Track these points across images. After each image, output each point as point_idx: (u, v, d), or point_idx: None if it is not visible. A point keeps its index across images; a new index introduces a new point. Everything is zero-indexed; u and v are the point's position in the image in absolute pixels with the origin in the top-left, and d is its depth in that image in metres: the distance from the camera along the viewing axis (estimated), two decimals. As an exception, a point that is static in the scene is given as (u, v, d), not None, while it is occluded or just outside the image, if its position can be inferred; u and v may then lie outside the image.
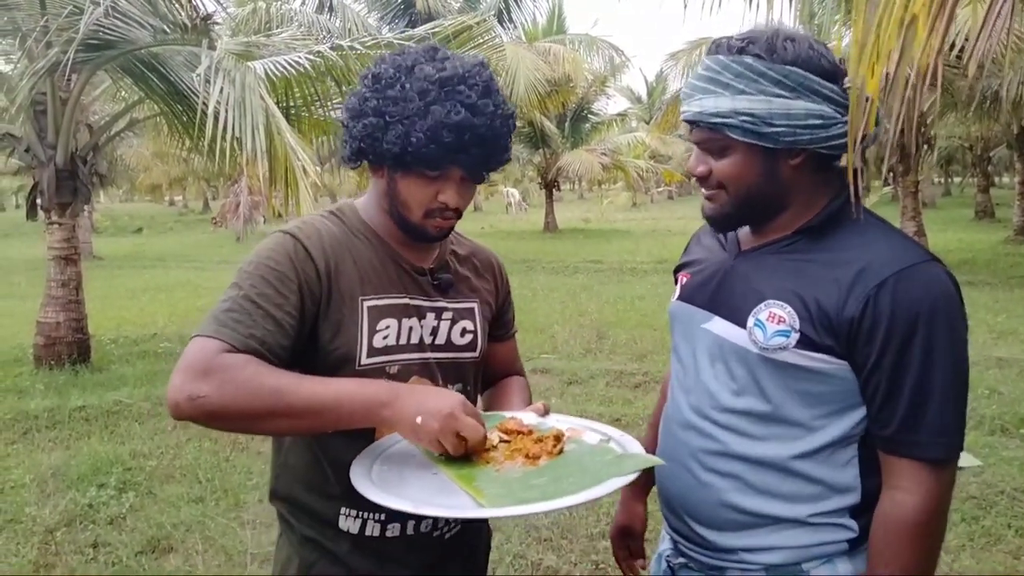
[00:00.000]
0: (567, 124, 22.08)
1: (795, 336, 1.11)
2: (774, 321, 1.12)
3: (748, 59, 1.11)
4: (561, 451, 1.10)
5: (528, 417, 1.22)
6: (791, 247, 1.18)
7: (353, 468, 1.09)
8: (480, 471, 1.05)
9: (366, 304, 1.20)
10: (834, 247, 1.14)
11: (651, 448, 1.38)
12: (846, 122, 1.09)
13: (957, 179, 38.36)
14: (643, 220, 26.22)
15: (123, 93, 7.30)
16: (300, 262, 1.15)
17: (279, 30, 10.51)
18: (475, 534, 1.39)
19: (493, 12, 14.02)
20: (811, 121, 1.11)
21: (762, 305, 1.14)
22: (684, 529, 1.26)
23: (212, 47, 5.14)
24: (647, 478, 1.44)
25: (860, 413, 1.13)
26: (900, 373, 1.07)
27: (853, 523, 1.15)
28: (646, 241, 18.23)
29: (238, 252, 17.91)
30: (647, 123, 30.33)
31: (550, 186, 22.31)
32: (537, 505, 0.96)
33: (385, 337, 1.21)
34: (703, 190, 1.21)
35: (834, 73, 1.12)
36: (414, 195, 1.19)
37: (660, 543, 1.38)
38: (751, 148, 1.13)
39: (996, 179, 32.37)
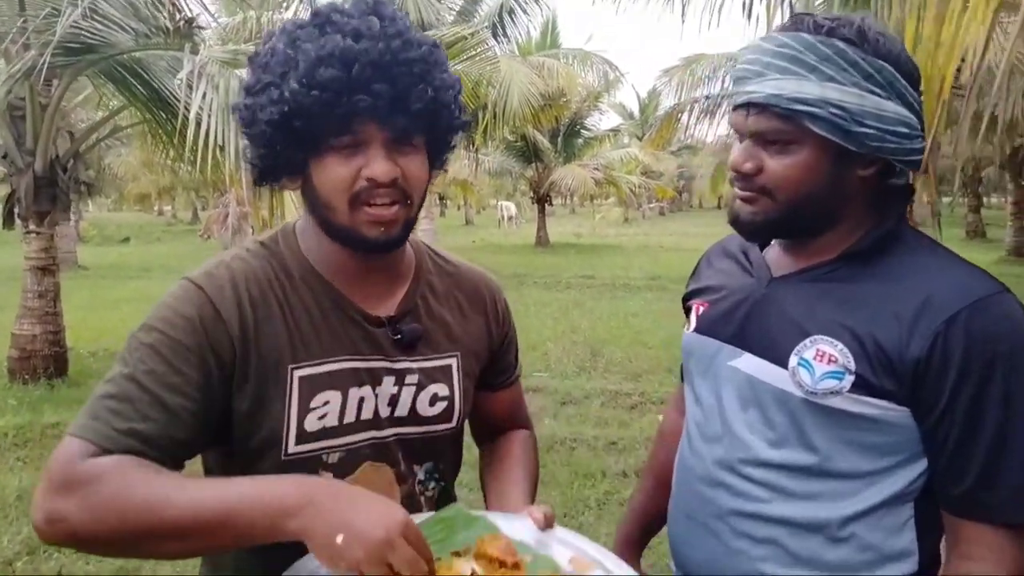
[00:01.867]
0: (560, 139, 22.02)
1: (849, 379, 0.94)
2: (823, 360, 0.95)
3: (839, 43, 0.94)
4: None
5: (521, 527, 0.93)
6: (834, 273, 1.01)
7: None
8: None
9: (297, 374, 0.94)
10: (887, 275, 0.98)
11: (654, 499, 1.20)
12: (923, 136, 0.93)
13: (946, 199, 38.53)
14: (635, 236, 26.12)
15: (106, 99, 7.12)
16: (205, 324, 0.90)
17: (270, 39, 10.34)
18: None
19: (487, 25, 13.92)
20: (900, 128, 0.94)
21: (807, 341, 0.97)
22: None
23: (195, 51, 4.97)
24: (645, 536, 1.26)
25: (919, 467, 0.97)
26: (975, 422, 0.91)
27: None
28: (638, 257, 18.11)
29: (226, 263, 17.61)
30: (639, 139, 30.38)
31: (542, 200, 22.22)
32: None
33: (322, 417, 0.95)
34: (739, 191, 1.02)
35: (916, 80, 0.97)
36: (331, 180, 0.89)
37: None
38: (823, 147, 0.96)
39: (985, 199, 32.53)
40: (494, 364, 1.15)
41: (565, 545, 0.93)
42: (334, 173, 0.90)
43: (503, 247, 20.08)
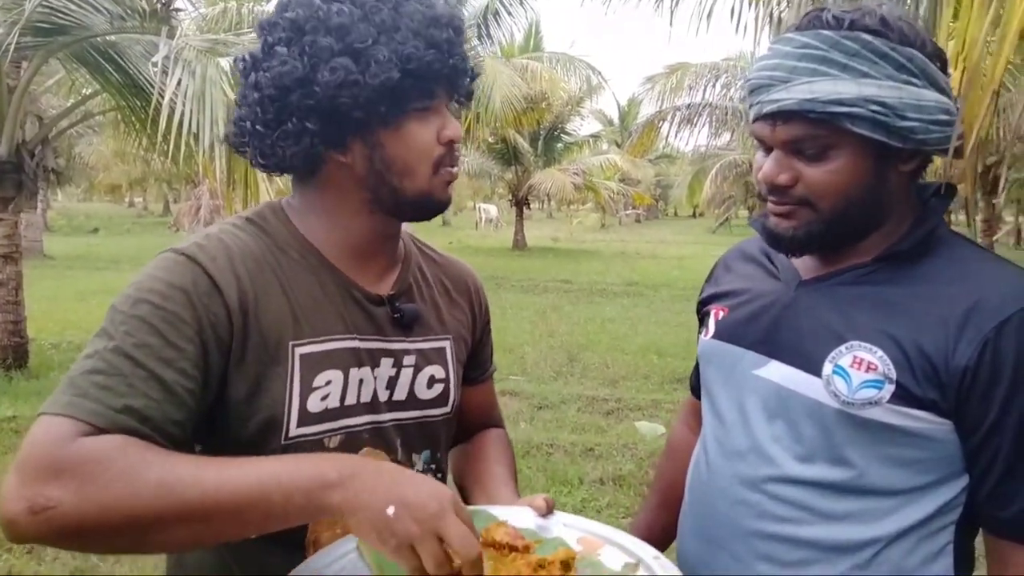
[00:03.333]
0: (540, 142, 22.01)
1: (890, 388, 0.86)
2: (861, 368, 0.88)
3: (864, 36, 0.87)
4: None
5: (523, 516, 0.89)
6: (871, 276, 0.94)
7: None
8: None
9: (298, 351, 0.88)
10: (928, 277, 0.91)
11: (660, 519, 1.12)
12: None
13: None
14: (612, 241, 26.18)
15: (78, 84, 6.92)
16: (201, 296, 0.82)
17: (249, 30, 10.18)
18: None
19: (471, 25, 13.85)
20: (940, 116, 0.88)
21: (843, 348, 0.90)
22: None
23: (172, 35, 4.82)
24: (659, 548, 1.17)
25: (959, 486, 0.90)
26: None
27: None
28: (616, 262, 18.13)
29: (197, 257, 17.34)
30: (618, 146, 30.51)
31: (521, 204, 22.18)
32: None
33: (325, 397, 0.89)
34: (774, 206, 0.94)
35: (944, 62, 0.90)
36: (415, 145, 0.88)
37: None
38: (864, 148, 0.89)
39: (952, 217, 33.14)
40: (473, 356, 1.11)
41: (570, 527, 0.89)
42: (420, 138, 0.89)
43: (480, 249, 19.98)
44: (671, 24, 5.56)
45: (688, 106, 13.24)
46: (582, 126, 25.03)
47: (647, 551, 0.84)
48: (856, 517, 0.91)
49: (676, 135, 13.42)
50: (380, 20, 0.85)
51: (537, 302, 11.07)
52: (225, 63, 5.24)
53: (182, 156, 4.46)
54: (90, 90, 6.70)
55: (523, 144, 20.50)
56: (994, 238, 16.58)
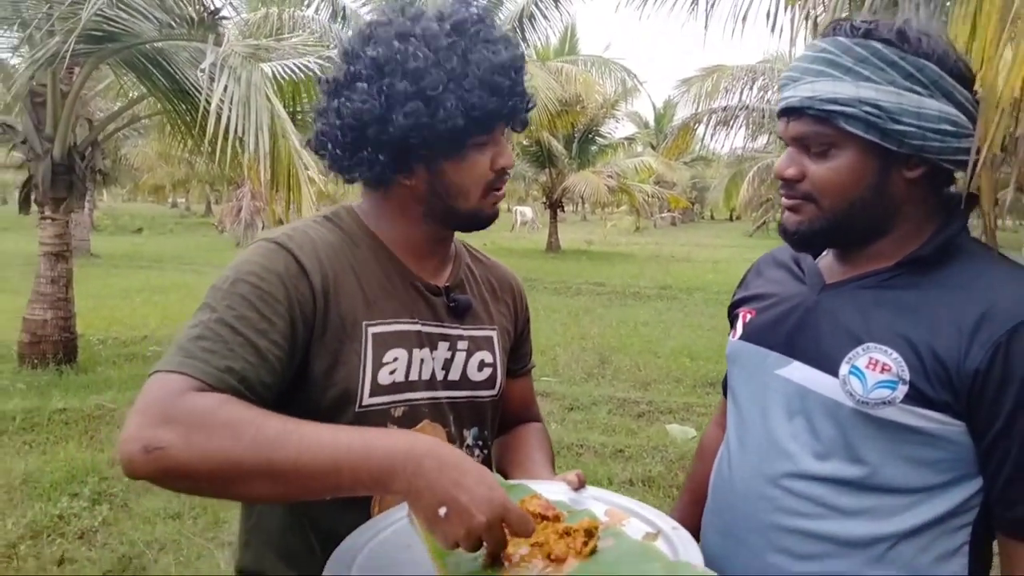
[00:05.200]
0: (575, 145, 22.00)
1: (903, 388, 0.90)
2: (876, 369, 0.92)
3: (876, 44, 0.92)
4: (594, 550, 0.85)
5: (557, 490, 0.98)
6: (892, 281, 0.98)
7: (330, 565, 0.85)
8: None
9: (371, 330, 0.99)
10: (947, 283, 0.95)
11: (689, 517, 1.17)
12: (971, 135, 0.90)
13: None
14: (646, 245, 26.05)
15: (126, 89, 7.15)
16: (291, 278, 0.93)
17: (290, 35, 10.39)
18: None
19: (508, 29, 13.95)
20: (943, 126, 0.92)
21: (859, 349, 0.94)
22: None
23: (219, 44, 4.97)
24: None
25: (973, 486, 0.93)
26: None
27: None
28: (649, 266, 18.05)
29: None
30: (653, 148, 30.31)
31: (555, 206, 22.19)
32: None
33: (392, 372, 1.00)
34: (784, 199, 1.00)
35: (968, 80, 0.94)
36: (472, 173, 1.00)
37: None
38: (865, 150, 0.93)
39: (999, 222, 32.30)
40: (515, 350, 1.21)
41: (600, 501, 0.97)
42: (477, 166, 1.00)
43: (514, 251, 20.05)
44: (706, 27, 5.55)
45: (724, 108, 13.13)
46: (617, 128, 24.94)
47: (667, 523, 0.90)
48: (870, 513, 0.95)
49: (712, 138, 13.33)
50: (451, 67, 0.95)
51: (570, 304, 11.10)
52: (268, 68, 5.39)
53: (228, 160, 4.59)
54: (137, 94, 6.92)
55: (557, 147, 20.52)
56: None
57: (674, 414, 5.59)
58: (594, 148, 23.15)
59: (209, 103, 4.44)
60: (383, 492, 0.82)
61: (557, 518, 0.88)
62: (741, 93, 12.98)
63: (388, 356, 0.99)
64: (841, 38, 0.94)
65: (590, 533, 0.85)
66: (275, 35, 10.74)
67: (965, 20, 0.98)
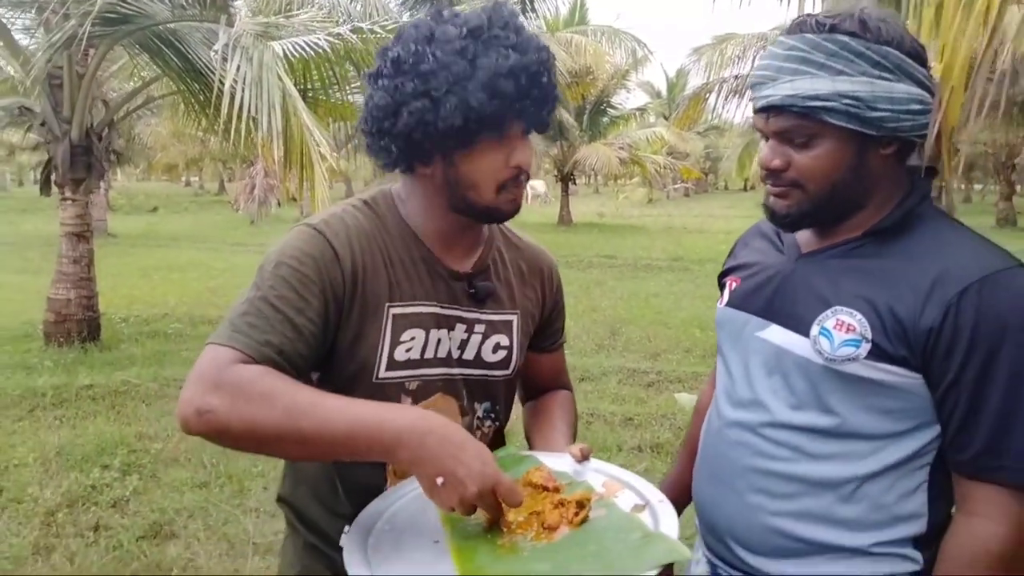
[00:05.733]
0: (586, 117, 21.90)
1: (866, 346, 1.00)
2: (842, 330, 1.01)
3: (842, 37, 1.00)
4: (585, 520, 0.94)
5: (562, 462, 1.08)
6: (859, 250, 1.07)
7: (350, 534, 0.96)
8: (484, 546, 0.91)
9: (392, 311, 1.09)
10: (908, 250, 1.03)
11: (687, 471, 1.27)
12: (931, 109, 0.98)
13: (978, 186, 37.89)
14: (658, 216, 26.00)
15: (140, 69, 7.24)
16: (325, 263, 1.04)
17: (299, 12, 10.41)
18: None
19: (516, 1, 13.86)
20: (913, 106, 1.00)
21: (828, 312, 1.03)
22: (726, 554, 1.15)
23: (231, 24, 5.04)
24: (683, 496, 1.32)
25: (932, 432, 1.02)
26: (984, 390, 0.96)
27: (917, 554, 1.04)
28: (661, 238, 18.07)
29: (252, 235, 17.88)
30: (666, 119, 30.09)
31: (566, 179, 22.16)
32: None
33: (408, 350, 1.10)
34: (771, 187, 1.08)
35: (923, 58, 1.02)
36: (484, 170, 1.06)
37: (693, 566, 1.26)
38: (844, 136, 1.01)
39: (1019, 187, 31.93)
40: (543, 329, 1.29)
41: (599, 473, 1.07)
42: (489, 164, 1.06)
43: (526, 225, 19.87)
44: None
45: (736, 77, 13.01)
46: (628, 99, 24.78)
47: (655, 495, 1.00)
48: (839, 457, 1.04)
49: (724, 107, 13.24)
50: (457, 71, 1.01)
51: (581, 277, 11.19)
52: (278, 46, 5.45)
53: (242, 139, 4.69)
54: (151, 75, 7.00)
55: (568, 119, 20.42)
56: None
57: (683, 383, 5.69)
58: (605, 120, 23.03)
59: (223, 84, 4.52)
60: (392, 461, 0.94)
61: (557, 489, 0.98)
62: (753, 61, 12.86)
63: (406, 335, 1.09)
64: (809, 35, 1.01)
65: (581, 504, 0.95)
66: (284, 11, 10.76)
67: (928, 13, 1.05)
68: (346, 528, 0.96)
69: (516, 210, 1.12)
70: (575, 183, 27.01)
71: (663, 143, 24.51)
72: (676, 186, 40.16)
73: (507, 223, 1.26)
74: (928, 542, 1.04)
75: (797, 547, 1.07)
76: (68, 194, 6.42)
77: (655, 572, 0.83)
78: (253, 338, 0.96)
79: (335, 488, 1.12)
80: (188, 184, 47.23)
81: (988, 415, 0.96)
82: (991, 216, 22.87)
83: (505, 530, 0.92)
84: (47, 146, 6.57)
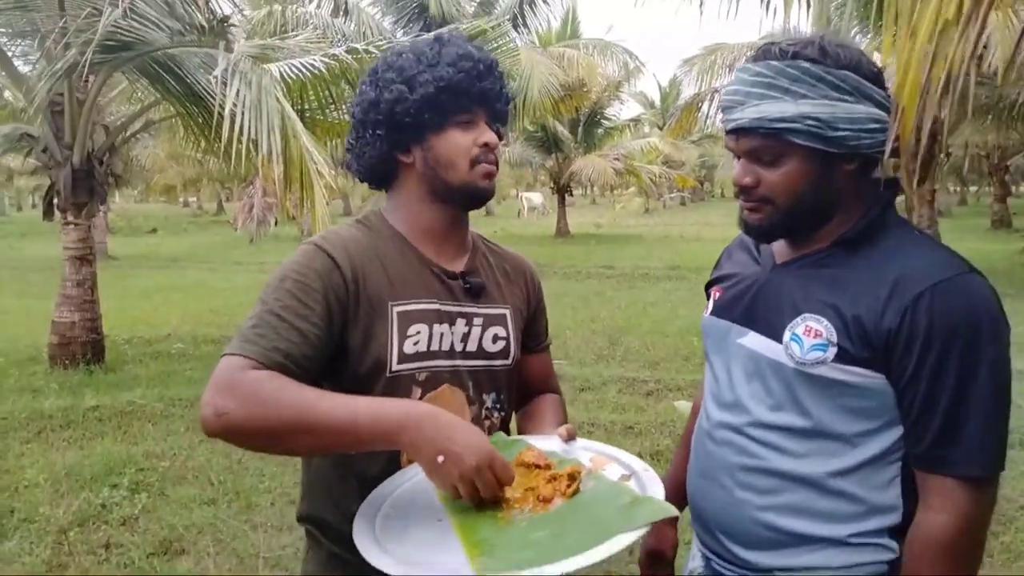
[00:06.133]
0: (580, 129, 22.05)
1: (832, 350, 1.08)
2: (811, 335, 1.09)
3: (804, 63, 1.09)
4: (577, 490, 1.03)
5: (551, 443, 1.17)
6: (827, 259, 1.15)
7: (358, 517, 1.05)
8: (485, 521, 0.99)
9: (396, 309, 1.19)
10: (871, 259, 1.11)
11: (683, 469, 1.35)
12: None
13: (973, 188, 38.06)
14: (655, 226, 26.12)
15: (139, 94, 7.34)
16: (325, 271, 1.14)
17: (294, 33, 10.56)
18: None
19: (508, 16, 13.99)
20: (871, 125, 1.09)
21: (799, 319, 1.11)
22: (717, 547, 1.23)
23: (229, 49, 5.14)
24: (681, 499, 1.40)
25: (900, 430, 1.10)
26: (936, 387, 1.04)
27: (894, 544, 1.12)
28: (659, 247, 18.16)
29: (251, 254, 17.97)
30: (660, 128, 30.26)
31: (563, 191, 22.29)
32: (531, 569, 0.89)
33: (416, 343, 1.19)
34: (743, 202, 1.17)
35: (880, 78, 1.10)
36: (457, 147, 1.21)
37: (690, 560, 1.34)
38: (808, 155, 1.10)
39: (1013, 188, 32.10)
40: (530, 327, 1.39)
41: (586, 450, 1.16)
42: (459, 140, 1.21)
43: (524, 237, 20.20)
44: (700, 11, 5.65)
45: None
46: (622, 110, 24.96)
47: (640, 465, 1.09)
48: (815, 455, 1.12)
49: (717, 116, 13.36)
50: (427, 58, 1.21)
51: (579, 288, 11.26)
52: (275, 68, 5.56)
53: (244, 161, 4.78)
54: (150, 99, 7.11)
55: (563, 131, 20.59)
56: None
57: (682, 391, 5.75)
58: (600, 131, 23.17)
59: (223, 108, 4.61)
60: (394, 447, 1.01)
61: (548, 466, 1.07)
62: (744, 71, 12.96)
63: (412, 330, 1.19)
64: (773, 61, 1.10)
65: (573, 477, 1.04)
66: (279, 33, 10.89)
67: (888, 29, 1.13)
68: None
69: (491, 187, 1.24)
70: (571, 195, 27.14)
71: (658, 153, 24.66)
72: (672, 195, 40.31)
73: (489, 241, 1.40)
74: (904, 532, 1.10)
75: (781, 539, 1.14)
76: (71, 218, 6.50)
77: (646, 529, 0.92)
78: (262, 346, 1.05)
79: (352, 488, 1.19)
80: (186, 205, 47.35)
81: (940, 411, 1.04)
82: (986, 218, 22.99)
83: (503, 506, 1.00)
84: (49, 171, 6.66)
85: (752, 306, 1.20)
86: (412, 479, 1.11)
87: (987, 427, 1.04)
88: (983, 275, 1.09)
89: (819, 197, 1.13)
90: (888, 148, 1.08)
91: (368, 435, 1.00)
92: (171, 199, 42.44)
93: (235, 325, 8.87)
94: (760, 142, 1.12)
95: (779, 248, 1.23)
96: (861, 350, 1.06)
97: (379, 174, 1.29)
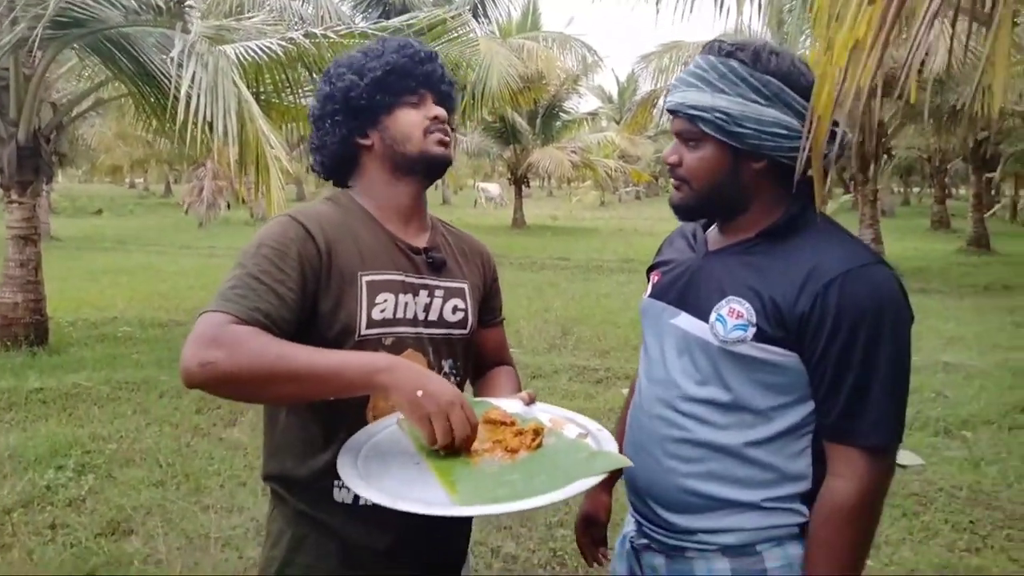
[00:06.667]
0: (538, 121, 22.17)
1: (752, 330, 1.18)
2: (733, 316, 1.19)
3: (734, 63, 1.19)
4: (539, 445, 1.14)
5: (513, 405, 1.27)
6: (753, 248, 1.25)
7: (341, 456, 1.14)
8: (459, 464, 1.09)
9: (365, 279, 1.27)
10: (792, 249, 1.22)
11: (620, 439, 1.45)
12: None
13: (916, 189, 39.38)
14: (611, 219, 26.42)
15: (88, 72, 7.17)
16: (300, 241, 1.22)
17: (250, 14, 10.38)
18: None
19: (468, 6, 13.98)
20: (776, 129, 1.19)
21: (723, 301, 1.21)
22: (648, 512, 1.33)
23: (186, 30, 5.08)
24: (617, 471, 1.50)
25: (811, 405, 1.21)
26: (843, 365, 1.14)
27: (804, 508, 1.22)
28: (613, 240, 18.41)
29: (200, 238, 17.64)
30: (617, 123, 30.58)
31: (519, 182, 22.39)
32: (504, 506, 1.01)
33: (383, 310, 1.27)
34: (672, 179, 1.28)
35: (808, 92, 1.20)
36: (408, 123, 1.32)
37: (625, 526, 1.44)
38: (719, 146, 1.21)
39: (952, 191, 33.28)
40: (484, 304, 1.49)
41: (545, 412, 1.28)
42: (409, 117, 1.33)
43: (480, 228, 20.23)
44: (657, 10, 5.80)
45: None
46: (580, 104, 25.15)
47: (594, 426, 1.22)
48: (736, 426, 1.23)
49: (672, 113, 13.55)
50: (373, 52, 1.35)
51: (534, 279, 11.38)
52: (231, 50, 5.50)
53: (199, 143, 4.74)
54: (101, 77, 6.95)
55: (521, 123, 20.67)
56: (986, 214, 16.78)
57: (631, 379, 5.87)
58: (558, 124, 23.32)
59: (179, 89, 4.57)
60: (373, 389, 1.10)
61: (512, 423, 1.18)
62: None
63: (379, 298, 1.27)
64: (711, 56, 1.22)
65: (537, 432, 1.15)
66: (234, 14, 10.70)
67: (812, 45, 1.24)
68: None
69: (446, 154, 1.34)
70: (528, 186, 27.26)
71: (614, 147, 24.94)
72: (627, 189, 40.76)
73: (447, 223, 1.50)
74: (813, 498, 1.21)
75: (704, 503, 1.25)
76: (15, 197, 6.34)
77: (604, 476, 1.06)
78: (243, 305, 1.12)
79: (318, 446, 1.27)
80: (132, 186, 46.10)
81: (846, 388, 1.15)
82: (927, 218, 23.83)
83: (473, 455, 1.11)
84: (-7, 148, 6.47)
85: (685, 290, 1.30)
86: (386, 428, 1.21)
87: (888, 403, 1.15)
88: (890, 266, 1.21)
89: (728, 187, 1.24)
90: (802, 157, 1.18)
91: (350, 379, 1.08)
92: (117, 180, 41.29)
93: (183, 309, 8.79)
94: (683, 125, 1.24)
95: (713, 237, 1.33)
96: (776, 330, 1.17)
97: (342, 163, 1.37)
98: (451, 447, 1.09)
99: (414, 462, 1.12)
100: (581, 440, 1.17)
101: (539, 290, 10.39)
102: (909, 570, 3.05)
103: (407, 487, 1.05)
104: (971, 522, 3.44)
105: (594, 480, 1.05)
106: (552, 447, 1.15)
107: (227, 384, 1.07)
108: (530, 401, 1.30)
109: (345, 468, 1.11)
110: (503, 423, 1.18)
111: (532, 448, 1.13)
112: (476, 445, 1.12)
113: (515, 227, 21.45)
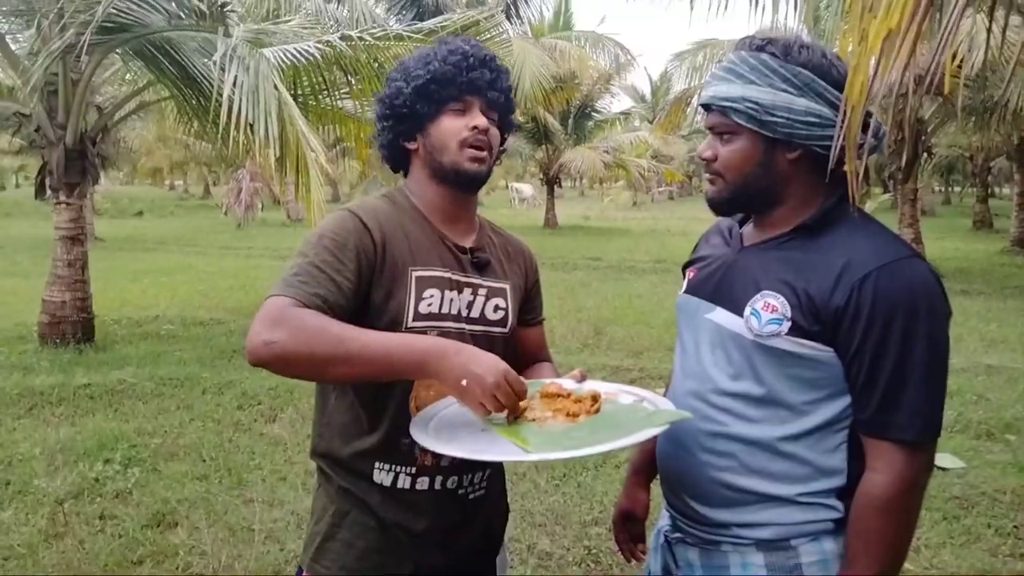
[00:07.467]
0: (570, 121, 22.12)
1: (787, 324, 1.19)
2: (768, 310, 1.21)
3: (765, 56, 1.22)
4: (598, 410, 1.21)
5: (567, 383, 1.33)
6: (788, 243, 1.26)
7: (412, 427, 1.22)
8: (524, 426, 1.17)
9: (414, 274, 1.33)
10: (827, 244, 1.23)
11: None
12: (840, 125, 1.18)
13: (957, 188, 38.49)
14: (643, 219, 26.26)
15: (131, 75, 7.36)
16: (358, 234, 1.29)
17: (287, 18, 10.55)
18: (495, 499, 1.49)
19: (501, 7, 14.07)
20: (809, 118, 1.20)
21: (758, 296, 1.23)
22: (682, 506, 1.34)
23: (228, 34, 5.20)
24: (651, 466, 1.52)
25: (847, 400, 1.21)
26: (879, 359, 1.15)
27: (839, 504, 1.23)
28: (645, 240, 18.31)
29: (239, 239, 17.96)
30: (650, 122, 30.35)
31: (551, 183, 22.38)
32: (577, 451, 1.07)
33: (429, 305, 1.33)
34: (706, 174, 1.31)
35: (840, 83, 1.22)
36: (447, 131, 1.36)
37: (659, 520, 1.46)
38: (752, 137, 1.23)
39: (996, 190, 32.49)
40: (525, 304, 1.55)
41: (598, 387, 1.34)
42: (450, 125, 1.37)
43: (512, 228, 20.02)
44: (691, 8, 5.78)
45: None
46: (612, 103, 25.05)
47: (647, 393, 1.29)
48: (769, 421, 1.24)
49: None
50: (426, 57, 1.40)
51: (567, 279, 11.38)
52: (270, 53, 5.61)
53: (240, 146, 4.85)
54: (144, 81, 7.14)
55: (553, 123, 20.64)
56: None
57: (664, 379, 5.79)
58: (590, 124, 23.26)
59: (221, 93, 4.68)
60: (422, 375, 1.17)
61: (570, 395, 1.25)
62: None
63: (426, 293, 1.33)
64: (743, 51, 1.25)
65: (595, 398, 1.23)
66: (271, 17, 10.88)
67: (843, 35, 1.25)
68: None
69: (478, 170, 1.37)
70: (560, 186, 27.24)
71: (647, 147, 24.80)
72: (660, 189, 40.48)
73: (494, 224, 1.54)
74: (848, 494, 1.22)
75: (738, 497, 1.26)
76: (63, 198, 6.54)
77: (667, 426, 1.13)
78: (304, 290, 1.20)
79: (363, 429, 1.34)
80: (172, 188, 47.05)
81: (882, 382, 1.15)
82: (969, 218, 23.27)
83: (537, 421, 1.18)
84: (41, 151, 6.68)
85: (720, 284, 1.32)
86: (450, 406, 1.27)
87: (924, 397, 1.15)
88: (925, 260, 1.22)
89: (762, 179, 1.26)
90: (836, 146, 1.19)
91: (399, 366, 1.15)
92: (157, 182, 42.19)
93: (223, 308, 8.98)
94: (716, 119, 1.26)
95: (749, 232, 1.35)
96: (812, 324, 1.18)
97: (394, 160, 1.47)
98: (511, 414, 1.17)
99: (481, 429, 1.19)
100: (638, 404, 1.24)
101: (572, 290, 10.38)
102: (950, 574, 3.01)
103: (481, 445, 1.13)
104: (1015, 527, 3.38)
105: (659, 430, 1.12)
106: (612, 410, 1.22)
107: (289, 363, 1.14)
108: (582, 378, 1.35)
109: (418, 434, 1.18)
110: (560, 395, 1.24)
111: (592, 412, 1.20)
112: (538, 414, 1.19)
113: (547, 227, 21.45)
